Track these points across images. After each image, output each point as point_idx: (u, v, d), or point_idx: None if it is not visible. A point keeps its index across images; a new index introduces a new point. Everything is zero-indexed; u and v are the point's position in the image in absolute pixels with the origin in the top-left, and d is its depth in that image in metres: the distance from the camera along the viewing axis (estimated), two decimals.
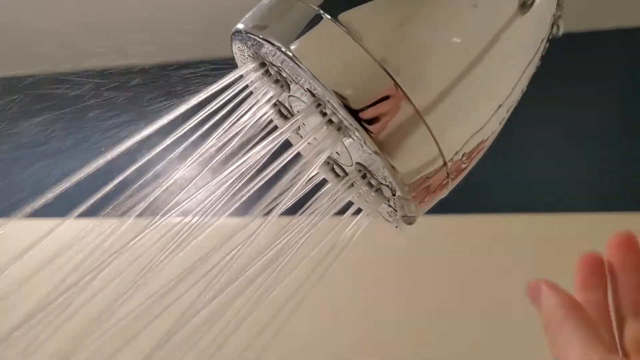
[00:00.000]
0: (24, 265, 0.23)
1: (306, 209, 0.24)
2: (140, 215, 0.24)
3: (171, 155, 0.25)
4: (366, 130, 0.18)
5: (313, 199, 0.24)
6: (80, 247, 0.24)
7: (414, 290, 0.67)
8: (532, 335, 0.25)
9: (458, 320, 0.64)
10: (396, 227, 0.22)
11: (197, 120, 0.25)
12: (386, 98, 0.18)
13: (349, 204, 0.24)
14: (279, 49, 0.19)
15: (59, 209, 0.24)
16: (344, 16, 0.18)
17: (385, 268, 0.69)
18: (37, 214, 0.24)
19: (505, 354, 0.61)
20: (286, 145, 0.24)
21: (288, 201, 0.23)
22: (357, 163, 0.21)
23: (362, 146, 0.19)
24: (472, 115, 0.20)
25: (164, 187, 0.24)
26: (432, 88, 0.18)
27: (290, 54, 0.18)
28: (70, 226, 0.24)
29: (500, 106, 0.20)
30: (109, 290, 0.23)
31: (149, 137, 0.24)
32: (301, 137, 0.25)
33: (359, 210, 0.24)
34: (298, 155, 0.24)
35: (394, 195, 0.20)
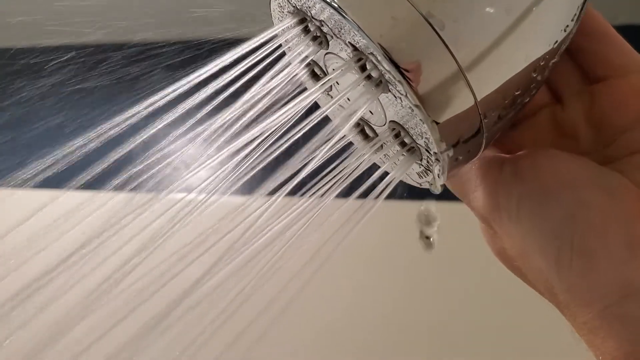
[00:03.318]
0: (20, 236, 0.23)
1: (330, 174, 0.24)
2: (150, 189, 0.24)
3: (193, 120, 0.25)
4: (409, 83, 0.18)
5: (338, 162, 0.24)
6: (86, 221, 0.24)
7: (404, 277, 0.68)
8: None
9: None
10: (427, 188, 0.23)
11: (223, 84, 0.24)
12: (430, 52, 0.18)
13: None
14: (323, 0, 0.19)
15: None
16: None
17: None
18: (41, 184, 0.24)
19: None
20: (305, 115, 0.24)
21: (313, 168, 0.23)
22: (392, 121, 0.21)
23: (401, 101, 0.19)
24: (509, 77, 0.20)
25: (173, 161, 0.24)
26: (475, 46, 0.19)
27: (336, 5, 0.18)
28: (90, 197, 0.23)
29: (534, 71, 0.21)
30: (108, 266, 0.23)
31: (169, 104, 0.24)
32: (332, 97, 0.25)
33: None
34: (319, 123, 0.24)
35: (428, 153, 0.20)
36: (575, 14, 0.21)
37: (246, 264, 0.23)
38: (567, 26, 0.21)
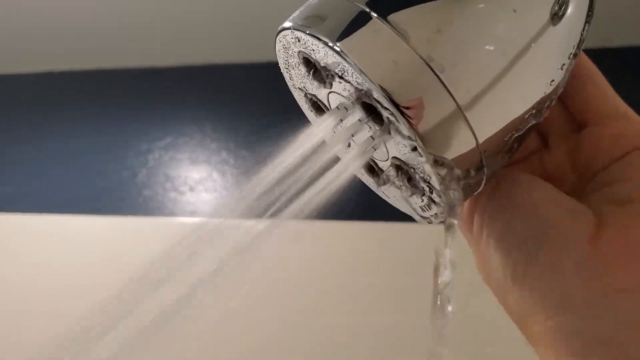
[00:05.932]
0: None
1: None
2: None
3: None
4: (409, 122, 0.19)
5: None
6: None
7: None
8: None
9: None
10: (429, 222, 0.23)
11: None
12: (430, 94, 0.19)
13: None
14: (326, 44, 0.19)
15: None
16: (392, 17, 0.19)
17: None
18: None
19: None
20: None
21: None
22: (394, 157, 0.22)
23: (402, 139, 0.20)
24: (507, 115, 0.21)
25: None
26: (473, 86, 0.19)
27: (338, 49, 0.19)
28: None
29: (531, 109, 0.21)
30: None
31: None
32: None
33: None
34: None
35: (430, 188, 0.21)
36: (567, 56, 0.22)
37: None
38: (563, 64, 0.22)
